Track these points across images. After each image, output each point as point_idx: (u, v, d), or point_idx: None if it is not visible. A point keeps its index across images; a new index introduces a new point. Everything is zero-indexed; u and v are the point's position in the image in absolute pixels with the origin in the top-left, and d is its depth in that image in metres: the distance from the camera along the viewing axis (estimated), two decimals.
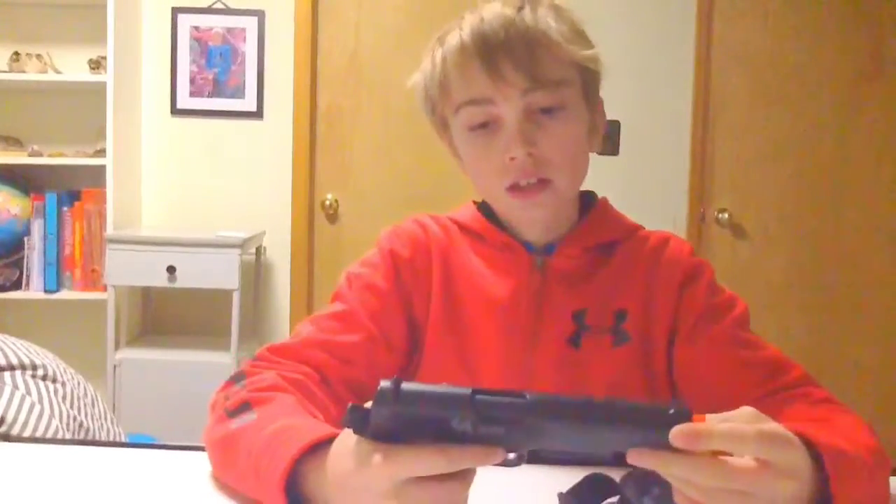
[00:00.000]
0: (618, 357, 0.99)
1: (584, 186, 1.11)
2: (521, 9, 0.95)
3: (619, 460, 0.63)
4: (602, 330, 1.00)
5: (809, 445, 0.68)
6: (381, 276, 1.03)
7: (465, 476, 0.64)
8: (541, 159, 0.94)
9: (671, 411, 0.60)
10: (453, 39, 0.96)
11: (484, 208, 1.07)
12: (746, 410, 0.65)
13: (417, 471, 0.62)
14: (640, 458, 0.60)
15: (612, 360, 1.00)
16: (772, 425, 0.64)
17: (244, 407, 0.84)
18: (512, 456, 0.64)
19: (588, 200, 1.09)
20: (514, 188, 0.96)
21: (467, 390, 0.62)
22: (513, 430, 0.62)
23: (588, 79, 1.00)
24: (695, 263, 1.03)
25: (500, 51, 0.93)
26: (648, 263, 1.02)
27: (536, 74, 0.93)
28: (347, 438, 0.67)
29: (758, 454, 0.61)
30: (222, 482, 0.84)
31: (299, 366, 0.94)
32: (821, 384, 0.94)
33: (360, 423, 0.63)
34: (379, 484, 0.63)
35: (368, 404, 0.63)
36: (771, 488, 0.62)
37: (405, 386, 0.62)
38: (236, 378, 0.92)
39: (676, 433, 0.59)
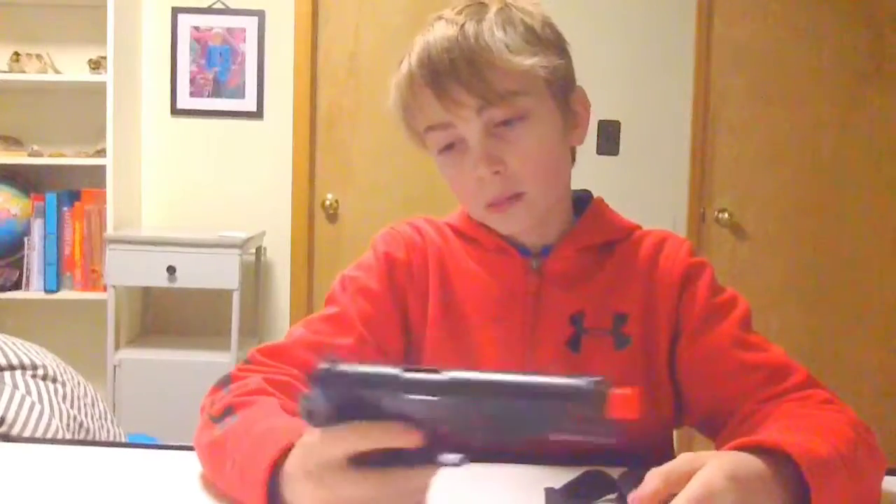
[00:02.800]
0: (619, 360, 0.99)
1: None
2: (463, 25, 0.93)
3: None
4: (602, 332, 0.99)
5: (784, 454, 0.70)
6: (374, 280, 1.02)
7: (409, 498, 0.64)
8: (509, 175, 0.94)
9: (592, 386, 0.59)
10: (404, 68, 0.97)
11: None
12: (682, 458, 0.68)
13: (339, 451, 0.63)
14: None
15: (613, 363, 0.99)
16: (703, 478, 0.65)
17: (228, 411, 0.85)
18: (453, 457, 0.62)
19: (584, 200, 1.08)
20: (490, 204, 0.96)
21: (397, 368, 0.61)
22: (436, 407, 0.61)
23: (554, 78, 0.96)
24: (694, 263, 1.02)
25: (446, 75, 0.92)
26: (647, 264, 1.02)
27: (485, 92, 0.92)
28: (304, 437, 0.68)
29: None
30: (215, 486, 0.84)
31: (288, 368, 0.94)
32: (826, 387, 0.93)
33: (311, 413, 0.63)
34: (335, 464, 0.63)
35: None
36: None
37: (334, 367, 0.61)
38: (223, 382, 0.92)
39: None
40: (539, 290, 1.00)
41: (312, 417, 0.63)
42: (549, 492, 0.80)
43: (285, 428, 0.76)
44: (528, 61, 0.93)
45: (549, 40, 0.97)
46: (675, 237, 1.06)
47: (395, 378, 0.61)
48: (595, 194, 1.10)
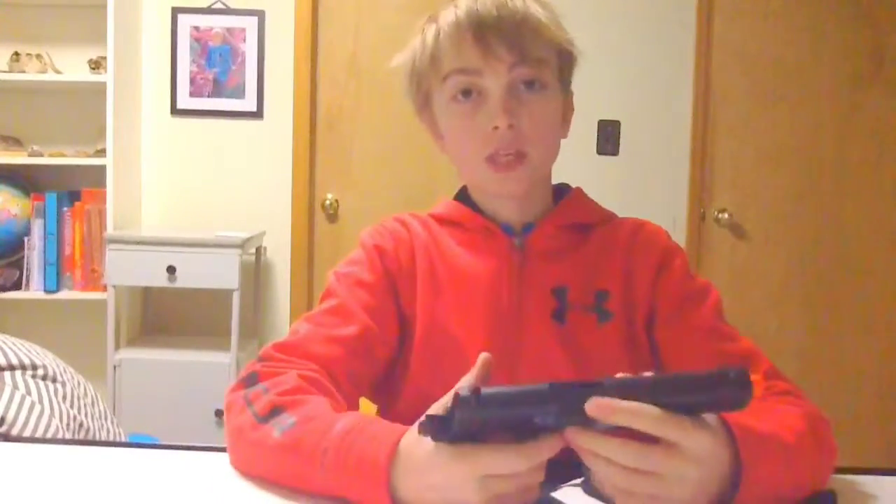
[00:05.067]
0: (604, 334, 1.03)
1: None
2: None
3: None
4: (585, 308, 1.03)
5: (727, 429, 0.72)
6: (368, 272, 1.06)
7: (541, 469, 0.70)
8: (520, 132, 1.00)
9: (731, 375, 0.67)
10: (448, 16, 1.03)
11: (461, 198, 1.13)
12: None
13: (498, 470, 0.68)
14: (573, 438, 0.67)
15: (598, 337, 1.03)
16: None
17: (276, 411, 0.85)
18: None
19: (563, 190, 1.14)
20: (493, 160, 1.01)
21: (544, 386, 0.67)
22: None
23: (564, 65, 1.06)
24: (670, 247, 1.09)
25: (492, 28, 1.00)
26: (625, 246, 1.07)
27: (524, 50, 1.00)
28: (418, 441, 0.72)
29: (657, 433, 0.67)
30: (268, 478, 0.84)
31: (308, 363, 0.95)
32: (787, 378, 0.98)
33: (440, 432, 0.68)
34: (463, 482, 0.69)
35: (434, 409, 0.70)
36: (676, 469, 0.67)
37: (485, 391, 0.66)
38: (249, 380, 0.93)
39: (591, 403, 0.66)
40: (522, 265, 1.05)
41: (444, 437, 0.68)
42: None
43: (377, 425, 0.80)
44: (566, 36, 1.04)
45: (566, 29, 1.07)
46: (651, 224, 1.12)
47: (546, 395, 0.67)
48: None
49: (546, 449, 0.68)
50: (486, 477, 0.68)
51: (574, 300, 1.03)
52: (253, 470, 0.87)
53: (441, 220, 1.11)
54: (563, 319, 1.03)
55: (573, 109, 1.11)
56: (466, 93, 1.02)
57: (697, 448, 0.68)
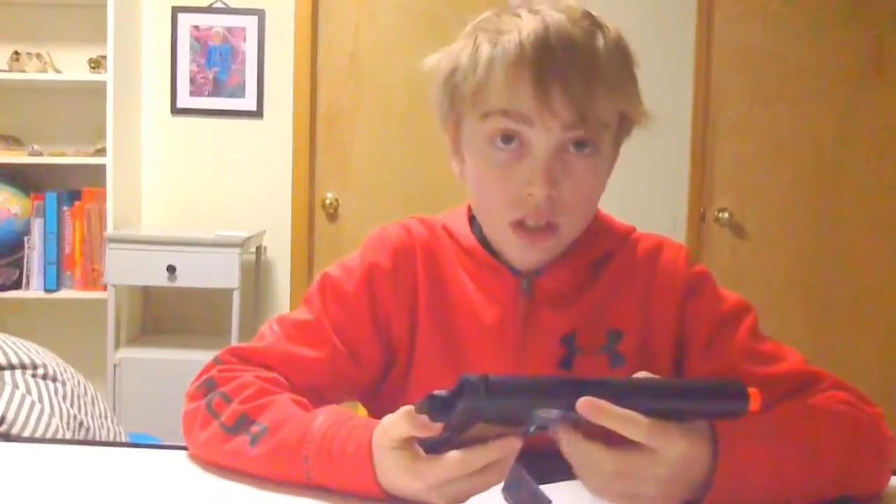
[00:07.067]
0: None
1: None
2: (592, 35, 0.87)
3: None
4: (595, 350, 0.95)
5: (710, 427, 0.72)
6: (352, 285, 0.99)
7: (496, 466, 0.70)
8: (557, 201, 0.87)
9: (729, 387, 0.70)
10: (509, 43, 0.86)
11: (477, 223, 1.00)
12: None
13: (448, 478, 0.70)
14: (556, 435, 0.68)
15: None
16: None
17: (244, 419, 0.86)
18: (532, 428, 0.68)
19: None
20: (520, 226, 0.89)
21: (551, 379, 0.69)
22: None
23: (623, 126, 0.94)
24: (694, 275, 0.98)
25: (559, 74, 0.84)
26: (643, 276, 0.97)
27: (586, 111, 0.85)
28: (378, 442, 0.76)
29: (645, 441, 0.67)
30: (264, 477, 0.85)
31: (265, 371, 0.94)
32: (853, 390, 0.95)
33: (440, 412, 0.68)
34: (422, 491, 0.72)
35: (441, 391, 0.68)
36: (650, 471, 0.68)
37: (494, 378, 0.66)
38: (208, 387, 0.92)
39: (582, 402, 0.65)
40: (529, 311, 0.96)
41: (443, 418, 0.68)
42: (515, 468, 0.81)
43: (354, 423, 0.81)
44: (641, 108, 0.93)
45: (638, 89, 0.94)
46: (670, 244, 1.01)
47: (554, 388, 0.68)
48: None
49: (495, 451, 0.69)
50: (441, 484, 0.71)
51: (583, 344, 0.95)
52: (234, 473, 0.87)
53: (452, 235, 1.00)
54: (570, 366, 0.94)
55: (618, 157, 0.97)
56: (507, 138, 0.88)
57: (673, 451, 0.68)
